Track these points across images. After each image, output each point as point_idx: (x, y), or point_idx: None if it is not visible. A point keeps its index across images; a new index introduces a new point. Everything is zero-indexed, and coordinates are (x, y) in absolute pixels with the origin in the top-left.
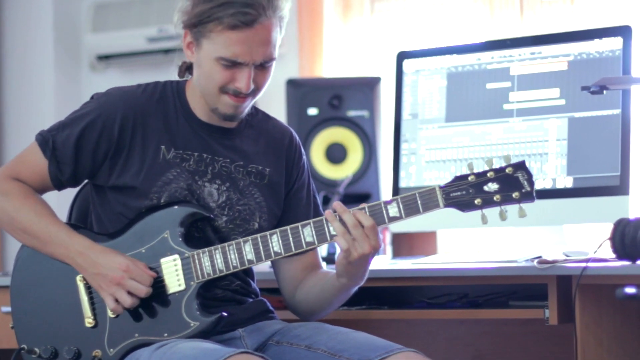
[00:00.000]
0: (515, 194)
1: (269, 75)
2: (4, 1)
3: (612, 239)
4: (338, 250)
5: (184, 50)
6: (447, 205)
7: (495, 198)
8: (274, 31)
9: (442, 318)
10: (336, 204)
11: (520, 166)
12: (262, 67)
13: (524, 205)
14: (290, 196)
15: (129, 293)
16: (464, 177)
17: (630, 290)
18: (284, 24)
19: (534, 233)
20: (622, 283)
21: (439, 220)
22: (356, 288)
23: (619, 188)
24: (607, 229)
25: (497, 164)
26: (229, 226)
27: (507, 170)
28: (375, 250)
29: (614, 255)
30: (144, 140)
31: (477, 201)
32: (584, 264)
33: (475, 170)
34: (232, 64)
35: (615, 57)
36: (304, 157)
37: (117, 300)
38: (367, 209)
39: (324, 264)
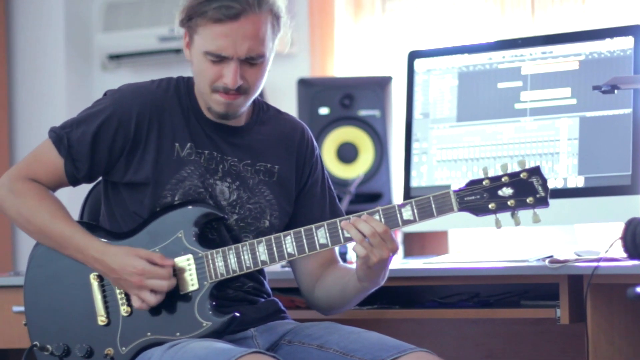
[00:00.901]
0: (529, 199)
1: (261, 74)
2: (16, 1)
3: (624, 238)
4: (350, 251)
5: (184, 51)
6: (461, 209)
7: (509, 203)
8: (262, 26)
9: (454, 318)
10: (349, 217)
11: (535, 171)
12: (250, 63)
13: (538, 211)
14: (305, 192)
15: (153, 291)
16: (478, 182)
17: None
18: (280, 23)
19: (546, 232)
20: (633, 282)
21: (451, 220)
22: (376, 288)
23: (630, 187)
24: (619, 228)
25: (511, 169)
26: (240, 224)
27: (521, 175)
28: (394, 252)
29: (625, 255)
30: (159, 136)
31: (491, 206)
32: (595, 264)
33: (490, 175)
34: (219, 59)
35: (627, 57)
36: (317, 151)
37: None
38: (381, 212)
39: None
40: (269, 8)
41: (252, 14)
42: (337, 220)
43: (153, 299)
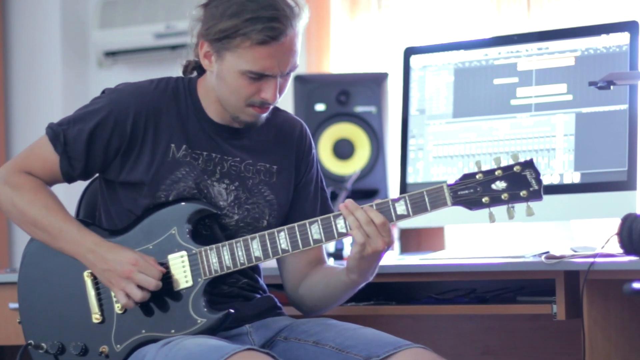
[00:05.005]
0: (523, 193)
1: (288, 81)
2: None
3: (620, 234)
4: (346, 247)
5: (201, 60)
6: (454, 203)
7: (503, 196)
8: (297, 40)
9: (450, 313)
10: (348, 201)
11: (529, 164)
12: (286, 75)
13: (531, 204)
14: (298, 190)
15: (139, 287)
16: (471, 175)
17: (637, 285)
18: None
19: (542, 228)
20: (629, 278)
21: (447, 215)
22: (362, 285)
23: (627, 183)
24: (615, 224)
25: (505, 162)
26: (240, 224)
27: (515, 169)
28: (388, 246)
29: (621, 251)
30: (155, 137)
31: (484, 199)
32: (591, 260)
33: (484, 169)
34: (259, 77)
35: (623, 53)
36: (314, 150)
37: (128, 296)
38: (374, 207)
39: (330, 260)
40: (302, 22)
41: (291, 30)
42: (331, 215)
43: (139, 294)
